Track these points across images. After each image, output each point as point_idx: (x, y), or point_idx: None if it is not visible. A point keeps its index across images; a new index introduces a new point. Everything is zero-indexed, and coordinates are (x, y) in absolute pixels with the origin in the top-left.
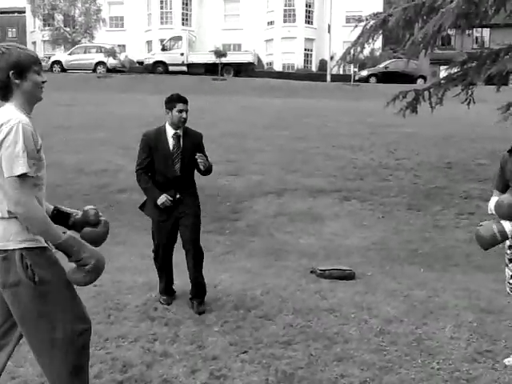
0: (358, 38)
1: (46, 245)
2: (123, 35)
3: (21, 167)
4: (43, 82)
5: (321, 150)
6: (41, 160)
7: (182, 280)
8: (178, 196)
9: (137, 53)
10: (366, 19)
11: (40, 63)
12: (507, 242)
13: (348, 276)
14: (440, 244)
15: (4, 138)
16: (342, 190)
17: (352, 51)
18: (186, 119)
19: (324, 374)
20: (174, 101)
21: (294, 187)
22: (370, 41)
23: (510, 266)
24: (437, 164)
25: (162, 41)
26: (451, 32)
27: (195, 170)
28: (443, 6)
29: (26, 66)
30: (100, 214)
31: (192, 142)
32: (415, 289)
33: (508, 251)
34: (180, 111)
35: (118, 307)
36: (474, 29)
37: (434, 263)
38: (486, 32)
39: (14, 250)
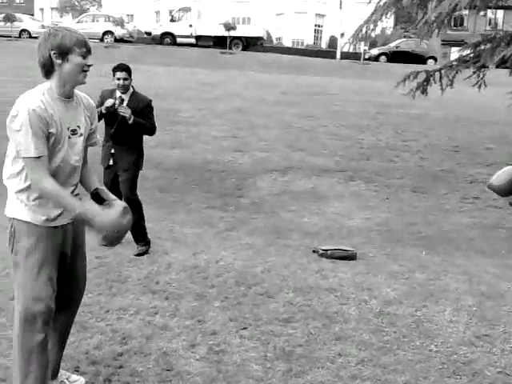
0: (371, 15)
1: (33, 222)
2: (131, 4)
3: (33, 151)
4: (88, 66)
5: (328, 128)
6: (53, 143)
7: (182, 255)
8: (112, 151)
9: (145, 23)
10: None
11: (87, 46)
12: None
13: (350, 256)
14: (443, 227)
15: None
16: (347, 170)
17: (365, 29)
18: (124, 85)
19: (322, 353)
20: (114, 69)
21: (299, 165)
22: (383, 18)
23: None
24: (444, 147)
25: (170, 11)
26: (464, 12)
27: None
28: None
29: (68, 47)
30: (128, 214)
31: (136, 105)
32: (416, 271)
33: None
34: (118, 79)
35: (119, 279)
36: (488, 10)
37: (436, 246)
38: (500, 14)
39: (9, 218)
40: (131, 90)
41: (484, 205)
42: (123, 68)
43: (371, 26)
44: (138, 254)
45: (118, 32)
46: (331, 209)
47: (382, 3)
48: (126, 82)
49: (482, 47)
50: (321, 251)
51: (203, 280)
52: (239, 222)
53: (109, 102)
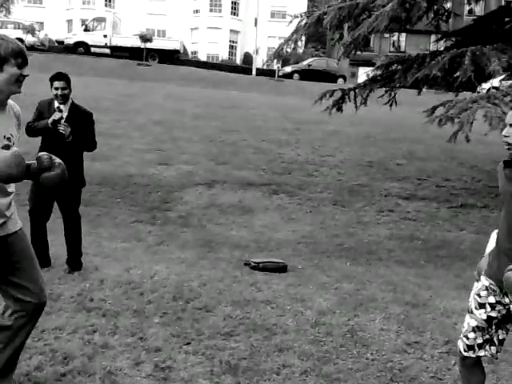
0: (292, 34)
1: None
2: (42, 12)
3: None
4: (24, 76)
5: (249, 143)
6: None
7: (114, 270)
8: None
9: (56, 32)
10: (301, 16)
11: (23, 57)
12: (483, 283)
13: (281, 268)
14: (364, 239)
15: None
16: (270, 184)
17: (285, 47)
18: (63, 95)
19: (267, 365)
20: (51, 79)
21: (225, 179)
22: (303, 38)
23: (476, 312)
24: (358, 162)
25: (83, 21)
26: (371, 35)
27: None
28: (375, 8)
29: (2, 57)
30: (53, 157)
31: (76, 118)
32: (344, 281)
33: (482, 293)
34: (56, 88)
35: (51, 297)
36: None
37: (358, 257)
38: (403, 37)
39: None
40: (70, 101)
41: (399, 217)
42: (62, 77)
43: (292, 45)
44: (69, 272)
45: (29, 40)
46: (258, 222)
47: (303, 23)
48: (66, 92)
49: (393, 68)
50: (253, 264)
51: (139, 296)
52: (168, 235)
53: (57, 115)
